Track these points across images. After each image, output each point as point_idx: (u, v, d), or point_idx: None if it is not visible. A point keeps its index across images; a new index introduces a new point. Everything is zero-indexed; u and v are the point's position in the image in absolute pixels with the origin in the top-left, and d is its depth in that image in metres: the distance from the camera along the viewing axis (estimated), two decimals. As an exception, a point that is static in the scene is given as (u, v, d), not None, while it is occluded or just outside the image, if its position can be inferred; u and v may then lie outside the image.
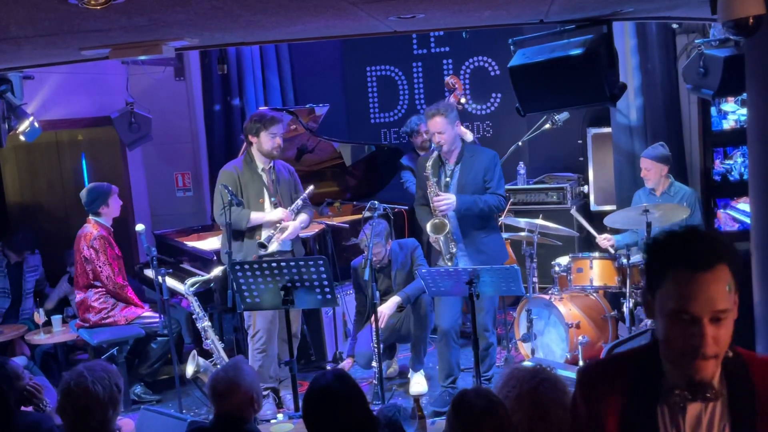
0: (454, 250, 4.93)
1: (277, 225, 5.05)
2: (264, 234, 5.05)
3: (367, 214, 5.35)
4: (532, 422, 2.27)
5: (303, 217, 5.18)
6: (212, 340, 5.06)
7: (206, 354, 5.12)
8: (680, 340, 1.65)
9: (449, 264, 4.91)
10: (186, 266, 6.01)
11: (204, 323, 5.05)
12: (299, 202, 5.14)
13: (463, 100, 6.45)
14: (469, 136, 6.14)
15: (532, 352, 5.50)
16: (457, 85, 6.47)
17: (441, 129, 4.84)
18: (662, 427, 1.74)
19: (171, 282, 5.59)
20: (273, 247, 5.01)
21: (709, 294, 1.62)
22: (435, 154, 4.92)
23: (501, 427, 2.16)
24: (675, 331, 1.66)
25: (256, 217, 5.04)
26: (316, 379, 2.64)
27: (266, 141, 5.05)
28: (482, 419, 2.15)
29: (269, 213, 5.08)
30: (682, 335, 1.65)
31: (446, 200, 4.82)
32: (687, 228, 1.70)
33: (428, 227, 4.92)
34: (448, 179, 4.96)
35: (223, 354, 5.06)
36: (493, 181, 4.90)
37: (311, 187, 5.32)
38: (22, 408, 3.31)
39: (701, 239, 1.66)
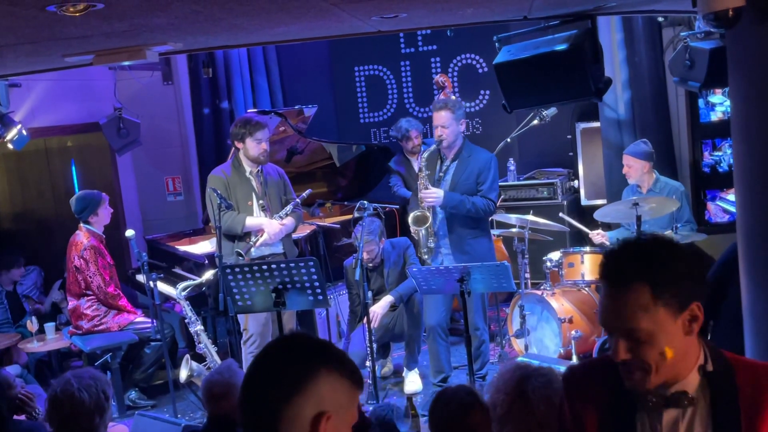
0: (432, 245, 4.96)
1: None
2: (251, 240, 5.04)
3: (356, 214, 5.35)
4: (513, 403, 2.24)
5: (287, 220, 5.13)
6: (205, 344, 5.05)
7: (200, 358, 5.12)
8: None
9: (426, 257, 4.95)
10: (178, 270, 6.00)
11: (197, 327, 5.05)
12: (289, 207, 5.12)
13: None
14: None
15: (526, 347, 5.51)
16: (446, 84, 6.47)
17: (445, 123, 4.85)
18: None
19: (163, 287, 5.58)
20: (254, 252, 5.01)
21: (618, 311, 1.61)
22: (434, 147, 4.93)
23: (485, 421, 2.16)
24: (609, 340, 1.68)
25: (251, 222, 5.03)
26: None
27: (252, 147, 5.03)
28: (466, 412, 2.15)
29: (262, 219, 5.06)
30: (610, 346, 1.67)
31: (433, 194, 4.84)
32: (635, 239, 1.68)
33: (410, 219, 4.95)
34: (442, 174, 4.98)
35: (216, 358, 5.05)
36: (485, 184, 4.89)
37: (308, 191, 5.32)
38: (15, 417, 3.30)
39: (626, 254, 1.63)
